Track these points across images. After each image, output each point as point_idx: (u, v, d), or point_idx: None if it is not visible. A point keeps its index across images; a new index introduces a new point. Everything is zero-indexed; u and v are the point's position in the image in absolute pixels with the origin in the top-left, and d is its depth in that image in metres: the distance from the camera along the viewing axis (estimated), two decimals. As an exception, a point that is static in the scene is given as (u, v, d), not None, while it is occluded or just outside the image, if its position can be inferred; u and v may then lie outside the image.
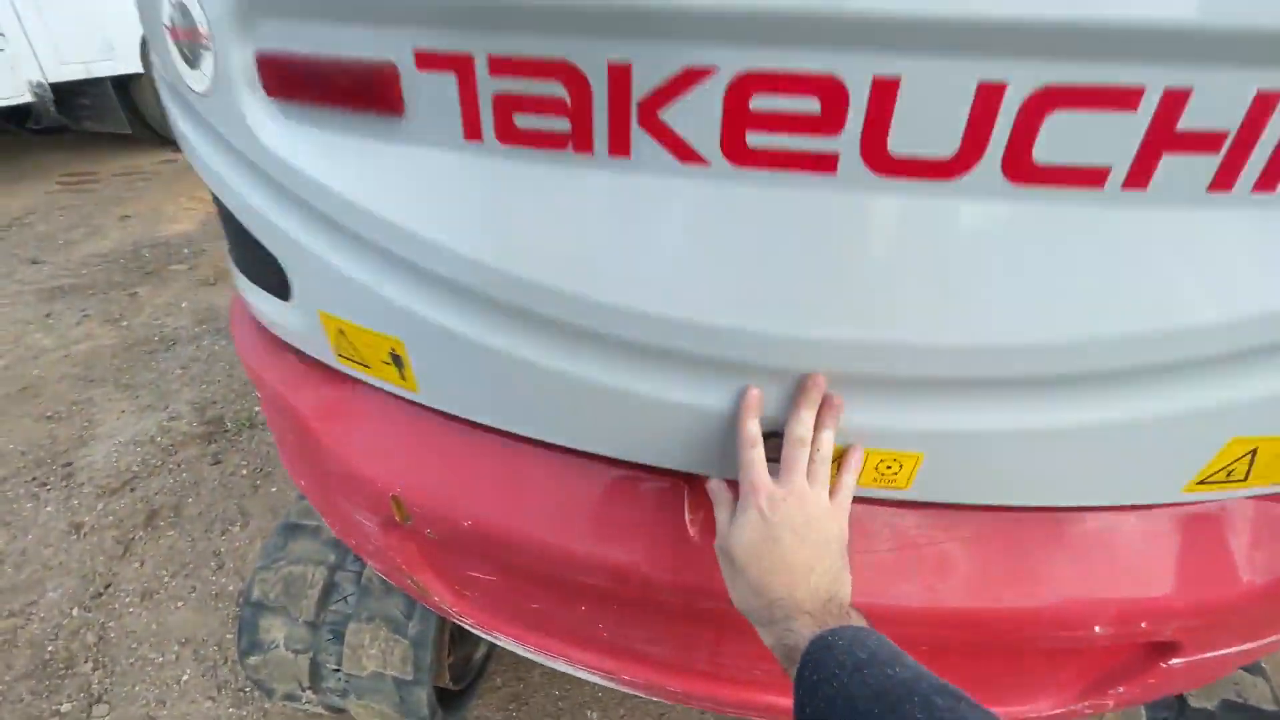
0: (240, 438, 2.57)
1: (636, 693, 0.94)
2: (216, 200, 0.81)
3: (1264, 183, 0.47)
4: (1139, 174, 0.47)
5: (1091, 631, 0.67)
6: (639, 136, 0.51)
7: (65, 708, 1.65)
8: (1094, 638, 0.68)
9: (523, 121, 0.53)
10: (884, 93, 0.45)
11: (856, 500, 0.65)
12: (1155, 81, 0.43)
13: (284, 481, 2.35)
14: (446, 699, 1.57)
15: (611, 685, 0.95)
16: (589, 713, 1.67)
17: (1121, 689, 0.79)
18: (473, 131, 0.55)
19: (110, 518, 2.20)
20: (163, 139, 6.40)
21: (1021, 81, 0.44)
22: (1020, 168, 0.47)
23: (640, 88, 0.49)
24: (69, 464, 2.43)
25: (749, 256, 0.53)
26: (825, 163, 0.48)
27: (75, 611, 1.89)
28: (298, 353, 0.89)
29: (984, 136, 0.46)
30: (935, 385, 0.56)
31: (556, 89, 0.50)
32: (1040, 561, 0.68)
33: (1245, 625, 0.74)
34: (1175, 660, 0.75)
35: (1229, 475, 0.63)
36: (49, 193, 5.28)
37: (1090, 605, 0.68)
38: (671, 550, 0.70)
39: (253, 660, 1.38)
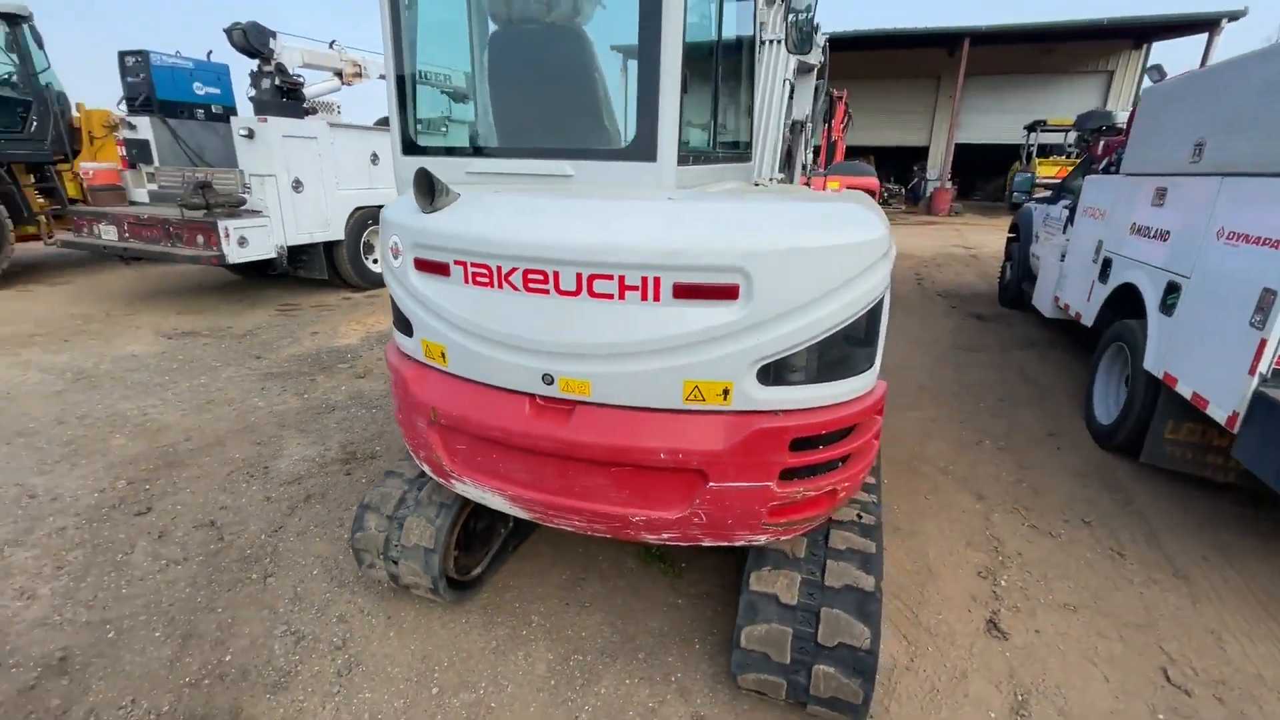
0: (365, 463, 4.02)
1: (517, 508, 2.13)
2: (394, 303, 2.28)
3: (654, 298, 1.76)
4: (620, 295, 1.78)
5: (659, 458, 1.84)
6: (505, 283, 1.89)
7: (253, 576, 2.97)
8: (664, 461, 1.84)
9: (478, 278, 1.93)
10: (557, 273, 1.81)
11: (580, 403, 1.91)
12: (619, 273, 1.76)
13: (385, 487, 3.71)
14: (453, 587, 2.72)
15: (507, 503, 2.15)
16: (533, 618, 2.74)
17: (699, 501, 1.89)
18: (469, 280, 1.96)
19: (286, 495, 3.65)
20: (346, 284, 8.89)
21: (585, 272, 1.78)
22: (591, 292, 1.79)
23: (503, 272, 1.88)
24: (266, 467, 3.98)
25: (526, 315, 1.87)
26: (544, 290, 1.83)
27: (263, 537, 3.27)
28: (407, 357, 2.29)
29: (581, 283, 1.79)
30: (587, 355, 1.83)
31: (484, 271, 1.91)
32: (649, 428, 1.86)
33: (731, 469, 1.84)
34: (712, 484, 1.86)
35: (695, 397, 1.82)
36: (270, 315, 7.64)
37: (661, 445, 1.85)
38: (524, 419, 1.96)
39: (358, 536, 2.66)
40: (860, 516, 2.41)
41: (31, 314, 7.49)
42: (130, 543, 3.20)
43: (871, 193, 8.12)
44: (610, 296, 1.78)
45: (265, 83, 7.54)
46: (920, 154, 26.56)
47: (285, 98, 7.67)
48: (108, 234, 7.65)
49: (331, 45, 8.74)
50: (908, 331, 7.29)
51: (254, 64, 7.60)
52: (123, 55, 8.14)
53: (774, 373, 1.83)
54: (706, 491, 1.89)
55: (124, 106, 8.36)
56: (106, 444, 4.27)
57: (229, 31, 7.19)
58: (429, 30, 2.44)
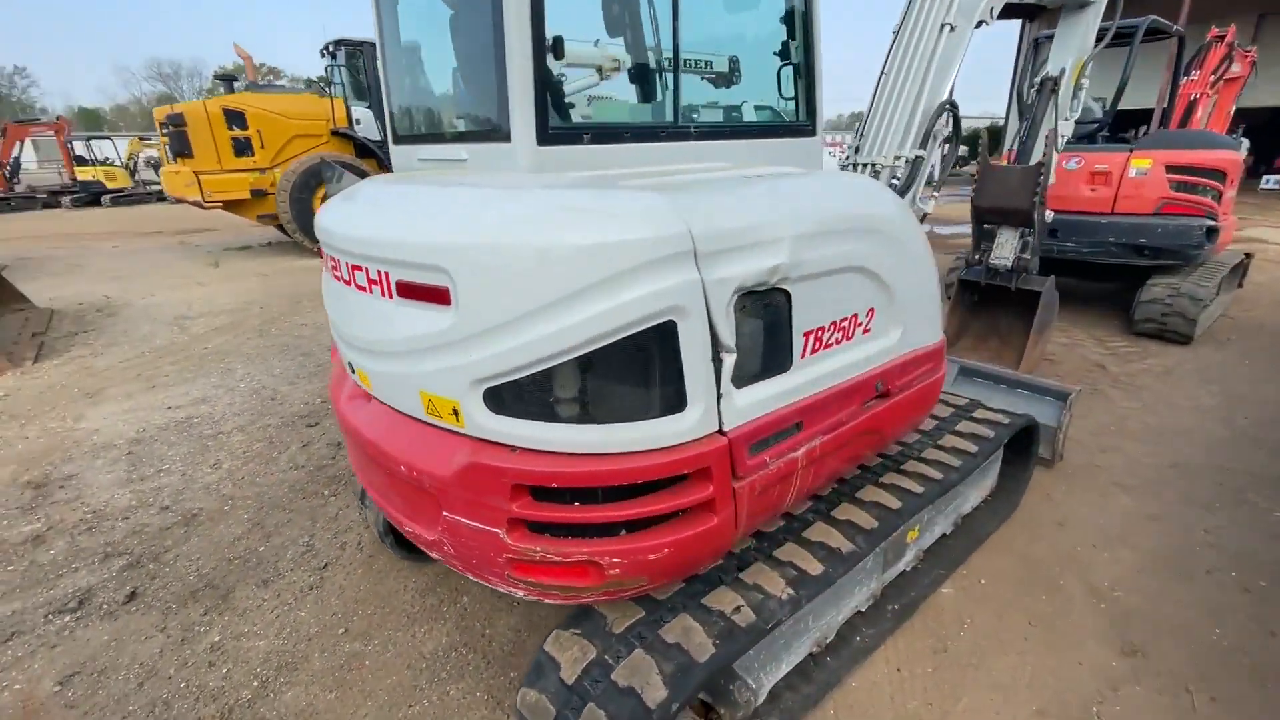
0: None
1: (373, 499, 2.18)
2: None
3: (386, 294, 1.60)
4: (369, 288, 1.65)
5: (400, 469, 1.68)
6: (349, 280, 1.93)
7: (325, 493, 3.66)
8: (409, 475, 1.67)
9: (327, 262, 2.01)
10: (379, 274, 1.77)
11: (367, 395, 1.86)
12: (365, 265, 1.65)
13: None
14: (403, 546, 2.93)
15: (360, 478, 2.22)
16: (463, 600, 2.78)
17: (441, 528, 1.65)
18: (336, 279, 2.06)
19: (396, 434, 4.36)
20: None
21: (347, 261, 1.71)
22: (355, 284, 1.71)
23: (359, 279, 1.91)
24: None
25: (334, 300, 1.87)
26: (338, 278, 1.82)
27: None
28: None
29: (349, 273, 1.73)
30: (359, 349, 1.76)
31: (326, 257, 1.98)
32: (400, 434, 1.72)
33: (456, 502, 1.56)
34: (444, 513, 1.62)
35: (433, 411, 1.60)
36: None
37: (403, 456, 1.68)
38: (346, 402, 2.00)
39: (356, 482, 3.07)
40: (736, 610, 1.81)
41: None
42: (287, 446, 4.26)
43: (1219, 173, 5.59)
44: (365, 289, 1.68)
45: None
46: None
47: (546, 96, 8.77)
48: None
49: (596, 44, 9.63)
50: (1217, 375, 4.88)
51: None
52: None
53: (506, 399, 1.49)
54: (443, 519, 1.67)
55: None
56: (338, 370, 5.69)
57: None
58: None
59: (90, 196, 21.71)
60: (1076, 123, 5.40)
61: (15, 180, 21.89)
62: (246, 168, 11.06)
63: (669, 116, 2.26)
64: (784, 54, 2.63)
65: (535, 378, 1.43)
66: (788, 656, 2.13)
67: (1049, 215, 4.91)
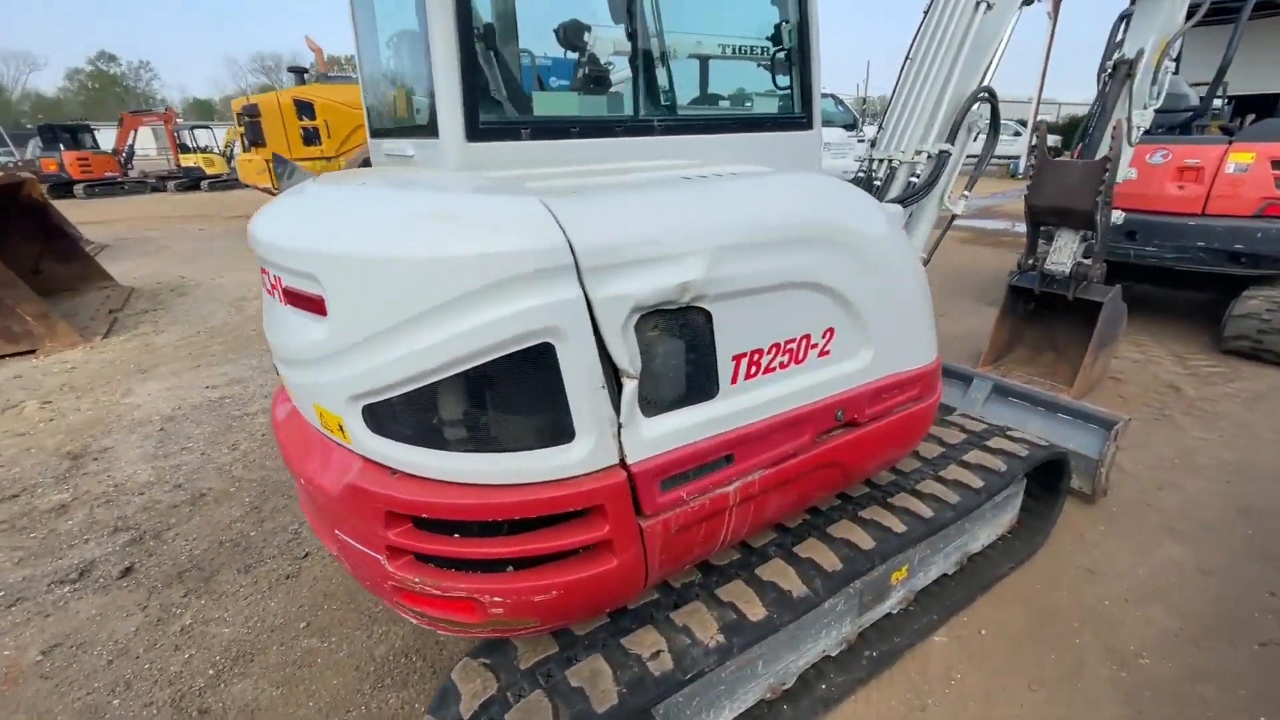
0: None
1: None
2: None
3: (282, 300, 1.52)
4: (272, 290, 1.59)
5: (301, 481, 1.61)
6: (275, 295, 1.88)
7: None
8: (307, 487, 1.61)
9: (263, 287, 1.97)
10: (275, 279, 1.71)
11: (288, 400, 1.81)
12: (277, 273, 1.58)
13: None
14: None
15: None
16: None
17: (340, 544, 1.58)
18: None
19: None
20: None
21: (279, 274, 1.64)
22: (281, 297, 1.65)
23: (267, 283, 1.87)
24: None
25: (279, 323, 1.83)
26: (270, 292, 1.76)
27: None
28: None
29: (280, 290, 1.67)
30: (281, 359, 1.70)
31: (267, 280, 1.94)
32: (306, 445, 1.65)
33: (344, 521, 1.47)
34: (336, 530, 1.54)
35: (327, 425, 1.51)
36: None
37: (303, 467, 1.61)
38: (278, 405, 1.97)
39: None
40: (654, 656, 1.65)
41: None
42: (302, 430, 4.38)
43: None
44: (270, 292, 1.62)
45: (579, 72, 8.66)
46: None
47: (593, 84, 8.68)
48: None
49: (647, 31, 9.41)
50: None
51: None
52: (509, 61, 10.39)
53: (384, 419, 1.39)
54: (335, 537, 1.59)
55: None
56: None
57: (556, 31, 8.48)
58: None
59: (191, 181, 23.49)
60: (1165, 111, 4.79)
61: (129, 166, 23.94)
62: (314, 156, 11.56)
63: (629, 110, 2.09)
64: (776, 38, 2.39)
65: (408, 398, 1.32)
66: (730, 704, 1.94)
67: (1118, 216, 4.38)
